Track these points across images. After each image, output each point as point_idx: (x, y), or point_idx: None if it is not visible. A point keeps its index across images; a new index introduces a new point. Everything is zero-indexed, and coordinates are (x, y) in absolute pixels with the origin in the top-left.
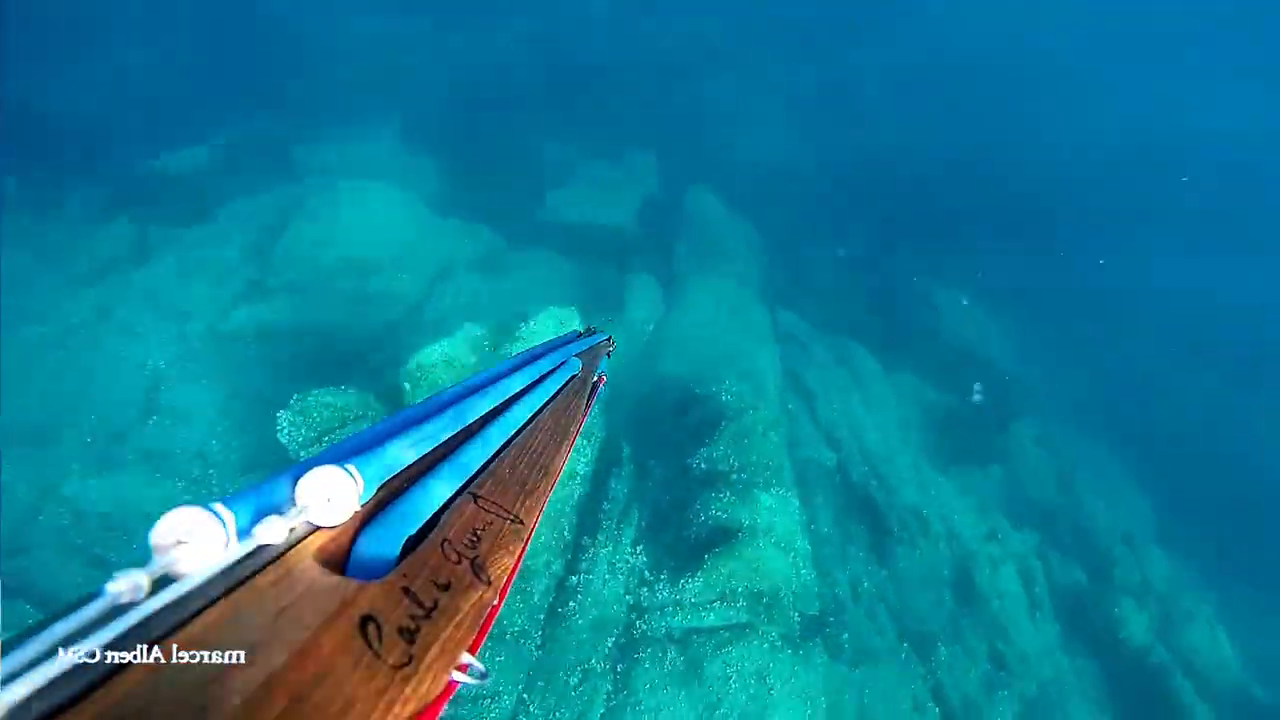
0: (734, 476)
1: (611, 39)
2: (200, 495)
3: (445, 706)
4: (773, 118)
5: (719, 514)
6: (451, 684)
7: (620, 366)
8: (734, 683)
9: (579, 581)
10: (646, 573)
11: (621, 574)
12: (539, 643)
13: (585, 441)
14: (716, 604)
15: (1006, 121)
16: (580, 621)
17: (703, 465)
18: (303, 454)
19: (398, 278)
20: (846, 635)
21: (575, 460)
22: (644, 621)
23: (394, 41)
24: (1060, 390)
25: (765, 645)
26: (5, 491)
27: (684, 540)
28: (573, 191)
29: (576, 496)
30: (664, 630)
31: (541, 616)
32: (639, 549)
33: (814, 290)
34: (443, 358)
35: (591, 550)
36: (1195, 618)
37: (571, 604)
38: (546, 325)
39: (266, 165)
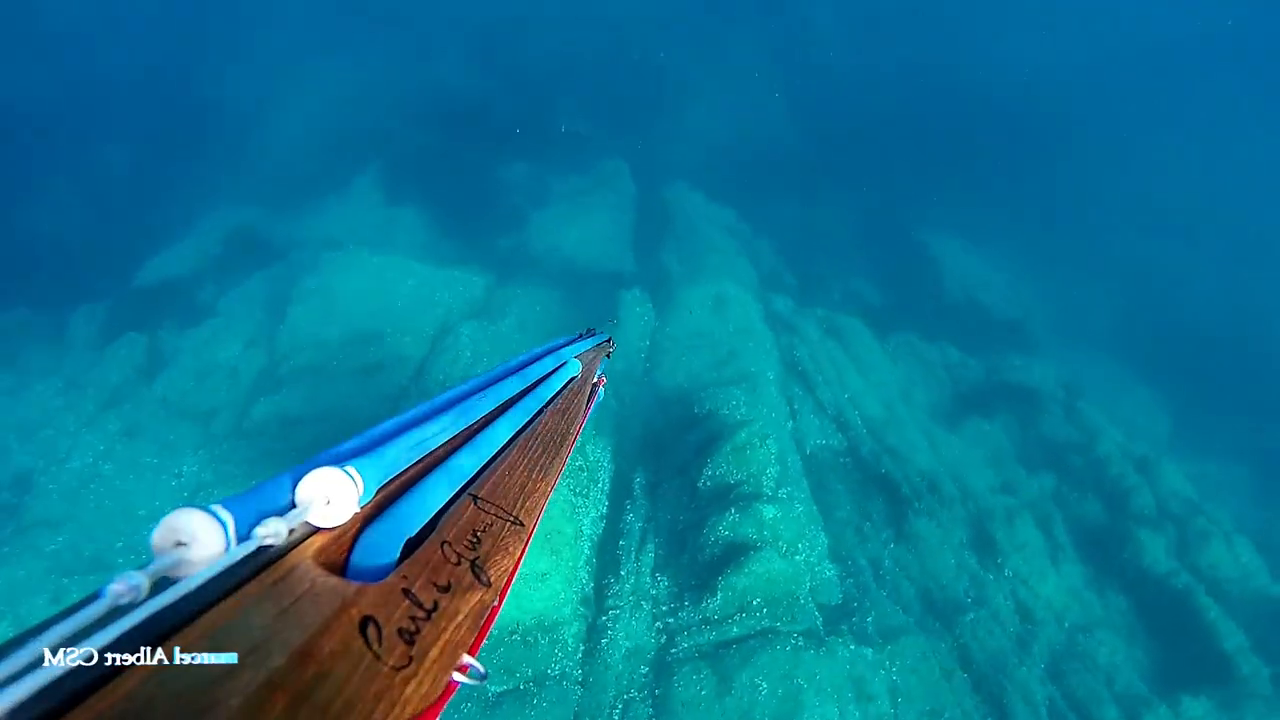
0: (739, 490)
1: (555, 47)
2: None
3: (444, 707)
4: (734, 92)
5: (726, 533)
6: (451, 685)
7: (623, 390)
8: (763, 689)
9: (608, 619)
10: (670, 599)
11: (647, 604)
12: (579, 681)
13: (594, 479)
14: (738, 616)
15: (971, 47)
16: (615, 656)
17: (709, 483)
18: None
19: (401, 341)
20: (871, 618)
21: (588, 500)
22: (674, 645)
23: (342, 100)
24: (1064, 314)
25: (788, 647)
26: None
27: (699, 562)
28: (552, 213)
29: (594, 536)
30: (694, 649)
31: (579, 657)
32: (659, 577)
33: (804, 266)
34: None
35: (615, 586)
36: (1211, 535)
37: (604, 641)
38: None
39: (254, 251)
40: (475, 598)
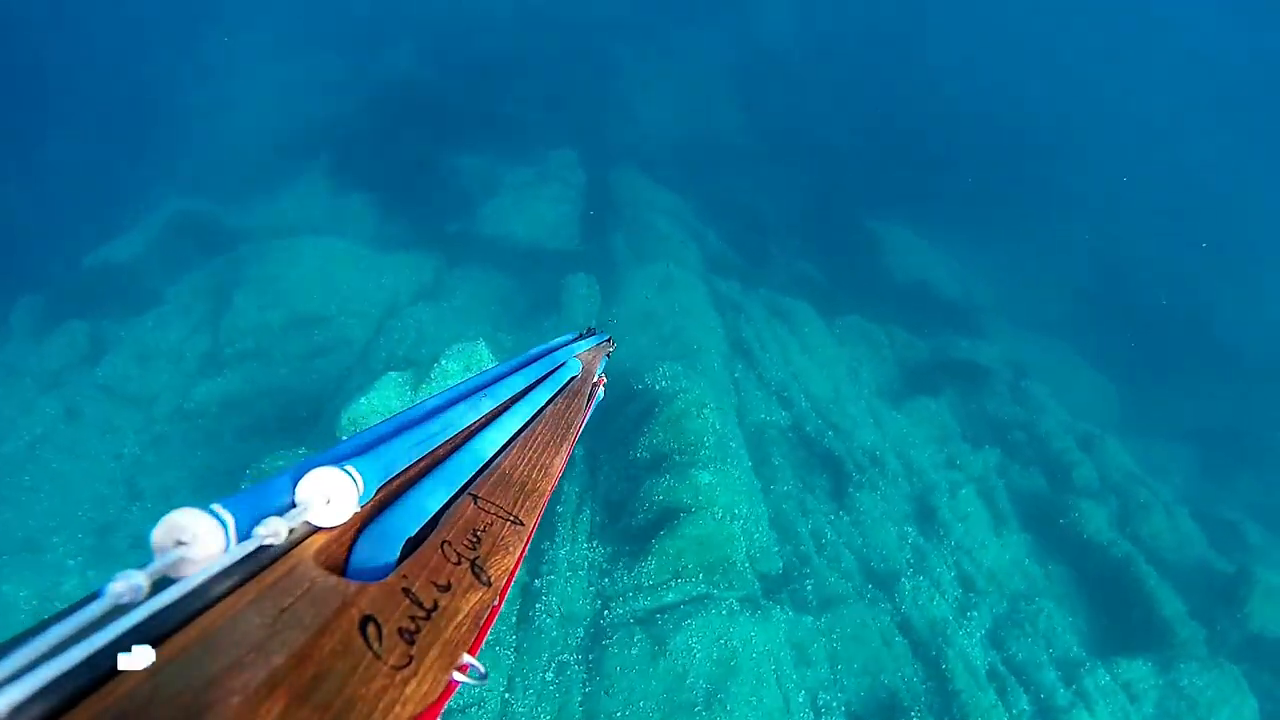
0: (674, 459)
1: (506, 38)
2: None
3: (444, 707)
4: (683, 81)
5: (660, 498)
6: (451, 684)
7: None
8: (697, 651)
9: (543, 585)
10: (605, 564)
11: (582, 570)
12: (514, 646)
13: None
14: (673, 581)
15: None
16: (549, 620)
17: (645, 453)
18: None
19: (346, 324)
20: (810, 585)
21: None
22: (609, 610)
23: (291, 90)
24: (1015, 299)
25: (723, 611)
26: (7, 601)
27: (633, 528)
28: (502, 201)
29: None
30: (628, 614)
31: (513, 621)
32: (595, 543)
33: (751, 250)
34: (370, 409)
35: (550, 552)
36: (1152, 507)
37: (539, 606)
38: (456, 364)
39: (202, 241)
40: (475, 597)
